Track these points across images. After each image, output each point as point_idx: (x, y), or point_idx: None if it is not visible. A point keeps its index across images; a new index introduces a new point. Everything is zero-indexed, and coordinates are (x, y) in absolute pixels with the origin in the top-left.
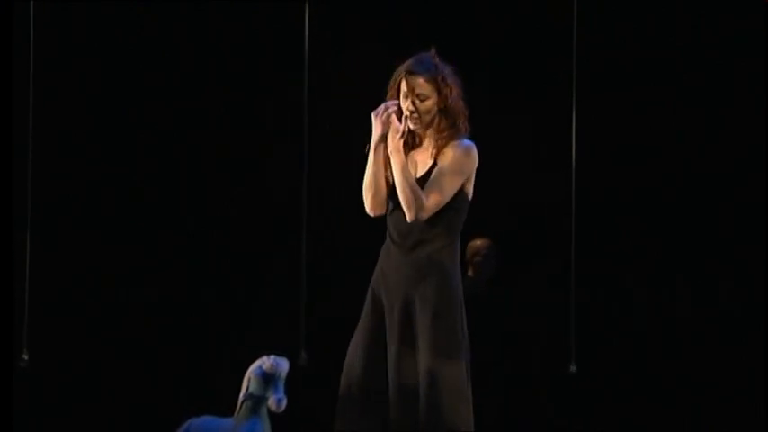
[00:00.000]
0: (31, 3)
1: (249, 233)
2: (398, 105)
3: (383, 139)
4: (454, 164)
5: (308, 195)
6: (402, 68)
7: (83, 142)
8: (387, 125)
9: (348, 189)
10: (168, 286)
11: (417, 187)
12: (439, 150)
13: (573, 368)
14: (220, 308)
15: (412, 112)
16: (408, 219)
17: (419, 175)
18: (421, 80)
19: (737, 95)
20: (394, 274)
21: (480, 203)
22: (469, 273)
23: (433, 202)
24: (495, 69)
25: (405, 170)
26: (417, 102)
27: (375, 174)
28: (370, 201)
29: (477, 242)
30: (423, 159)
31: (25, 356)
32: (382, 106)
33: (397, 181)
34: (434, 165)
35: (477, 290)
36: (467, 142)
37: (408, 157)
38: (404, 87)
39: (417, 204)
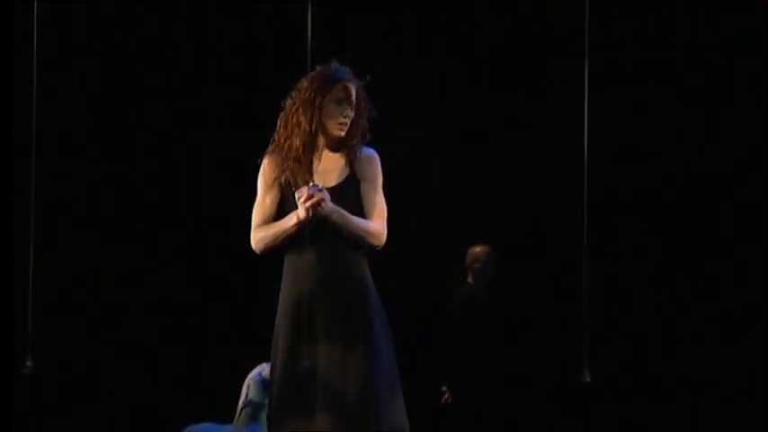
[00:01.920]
0: (35, 3)
1: (249, 233)
2: (314, 183)
3: (306, 220)
4: (378, 179)
5: None
6: (332, 77)
7: (83, 142)
8: (309, 209)
9: None
10: (168, 286)
11: (366, 225)
12: (351, 158)
13: (587, 377)
14: (220, 308)
15: (346, 118)
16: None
17: (336, 183)
18: (354, 87)
19: (737, 95)
20: (317, 288)
21: (482, 204)
22: (469, 279)
23: (383, 224)
24: (496, 70)
25: (352, 221)
26: (351, 109)
27: (285, 239)
28: (264, 250)
29: (477, 249)
30: (335, 167)
31: (29, 363)
32: (304, 189)
33: (351, 232)
34: (352, 173)
35: (476, 295)
36: (374, 151)
37: (319, 166)
38: (340, 94)
39: (374, 238)
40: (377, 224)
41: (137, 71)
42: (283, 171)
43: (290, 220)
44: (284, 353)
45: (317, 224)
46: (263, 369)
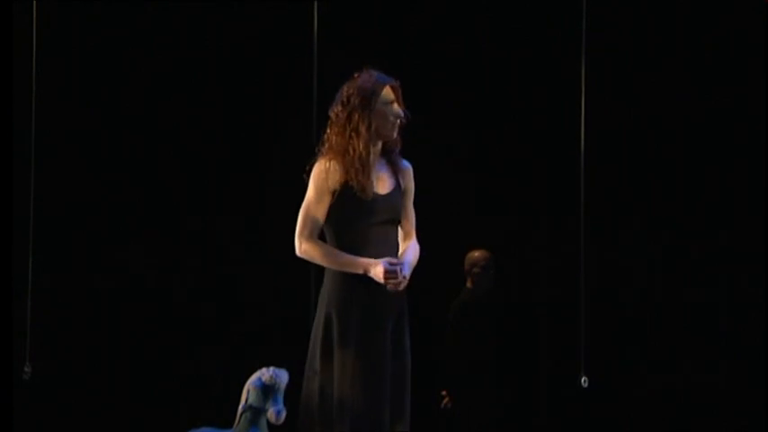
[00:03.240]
0: (34, 3)
1: (256, 239)
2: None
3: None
4: (413, 192)
5: None
6: (380, 80)
7: (83, 143)
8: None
9: None
10: (168, 290)
11: (416, 252)
12: (395, 169)
13: (584, 382)
14: (221, 311)
15: (397, 119)
16: None
17: (388, 191)
18: (399, 89)
19: (737, 95)
20: (383, 295)
21: (481, 206)
22: (468, 284)
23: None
24: (496, 69)
25: (414, 263)
26: (401, 109)
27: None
28: (305, 258)
29: (476, 254)
30: (385, 175)
31: (28, 369)
32: (399, 270)
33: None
34: (398, 184)
35: (475, 300)
36: (409, 164)
37: (372, 173)
38: (390, 96)
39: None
40: (416, 242)
41: (137, 71)
42: (346, 177)
43: (357, 268)
44: (364, 356)
45: (381, 242)
46: (263, 374)
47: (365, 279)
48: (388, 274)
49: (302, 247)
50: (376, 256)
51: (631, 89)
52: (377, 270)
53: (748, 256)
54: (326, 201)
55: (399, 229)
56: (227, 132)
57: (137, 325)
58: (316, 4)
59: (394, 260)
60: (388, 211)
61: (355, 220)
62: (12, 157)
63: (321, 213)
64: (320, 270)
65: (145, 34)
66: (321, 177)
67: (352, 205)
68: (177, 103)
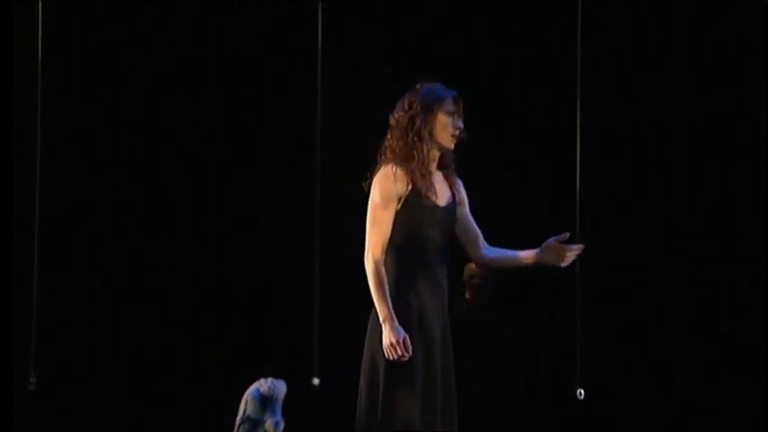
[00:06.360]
0: (39, 3)
1: (256, 239)
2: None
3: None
4: None
5: (320, 210)
6: (441, 91)
7: (83, 143)
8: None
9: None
10: (170, 302)
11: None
12: (450, 182)
13: (580, 394)
14: (221, 322)
15: (457, 130)
16: None
17: (446, 203)
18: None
19: (737, 95)
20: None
21: (480, 213)
22: (467, 296)
23: None
24: (496, 71)
25: None
26: (462, 121)
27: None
28: (365, 266)
29: (475, 264)
30: (442, 186)
31: (33, 380)
32: (408, 351)
33: None
34: (453, 196)
35: (473, 312)
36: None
37: (433, 183)
38: (450, 108)
39: None
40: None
41: (136, 71)
42: (412, 183)
43: (382, 313)
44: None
45: (436, 249)
46: (261, 385)
47: (416, 288)
48: (395, 347)
49: (369, 259)
50: (432, 264)
51: (631, 89)
52: (392, 333)
53: (748, 256)
54: (393, 207)
55: (467, 239)
56: (227, 132)
57: (137, 325)
58: (320, 4)
59: (408, 344)
60: (446, 221)
61: (418, 227)
62: (12, 158)
63: (388, 219)
64: (323, 271)
65: (145, 34)
66: (388, 183)
67: (417, 212)
68: (177, 103)
